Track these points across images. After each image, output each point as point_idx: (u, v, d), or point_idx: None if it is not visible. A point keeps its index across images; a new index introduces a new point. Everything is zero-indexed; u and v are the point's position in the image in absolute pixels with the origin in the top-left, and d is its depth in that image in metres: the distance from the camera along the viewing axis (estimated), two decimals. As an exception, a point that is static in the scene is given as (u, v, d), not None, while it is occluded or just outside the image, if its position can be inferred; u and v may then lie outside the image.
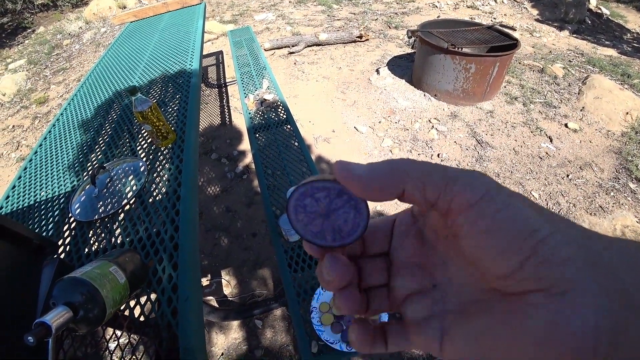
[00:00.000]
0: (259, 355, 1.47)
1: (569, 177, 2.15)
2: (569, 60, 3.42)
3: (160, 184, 1.03)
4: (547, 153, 2.37)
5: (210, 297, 1.68)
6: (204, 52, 3.27)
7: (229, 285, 1.72)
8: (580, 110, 2.71)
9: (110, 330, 0.77)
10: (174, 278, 0.78)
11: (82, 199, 0.98)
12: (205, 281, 1.75)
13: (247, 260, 1.81)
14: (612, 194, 2.03)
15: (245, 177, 2.32)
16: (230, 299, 1.67)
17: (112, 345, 0.75)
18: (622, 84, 2.97)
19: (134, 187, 1.00)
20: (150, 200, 0.99)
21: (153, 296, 0.78)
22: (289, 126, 1.69)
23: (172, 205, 0.97)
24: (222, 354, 1.50)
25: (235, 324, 1.57)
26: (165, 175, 1.06)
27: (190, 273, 0.78)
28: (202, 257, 1.87)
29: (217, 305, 1.65)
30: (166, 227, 0.91)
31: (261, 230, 1.94)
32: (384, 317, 0.90)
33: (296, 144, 1.58)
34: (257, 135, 1.67)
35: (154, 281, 0.80)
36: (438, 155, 2.36)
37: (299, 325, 0.96)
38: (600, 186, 2.09)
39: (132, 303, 0.77)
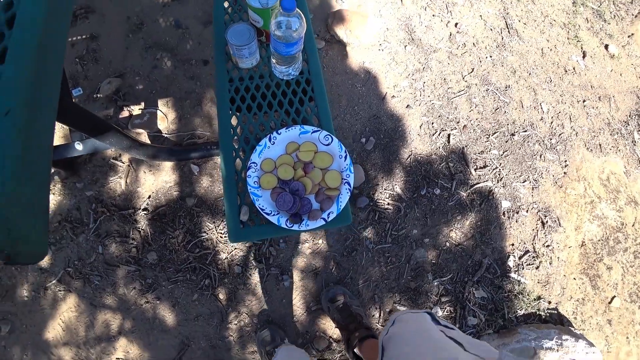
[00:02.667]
0: (190, 204, 1.29)
1: (585, 102, 1.90)
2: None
3: None
4: (574, 68, 2.03)
5: (141, 130, 1.37)
6: None
7: (165, 119, 1.40)
8: (628, 36, 2.28)
9: None
10: None
11: None
12: (136, 109, 1.41)
13: (192, 92, 1.45)
14: (615, 136, 1.87)
15: (207, -12, 1.71)
16: (165, 135, 1.38)
17: None
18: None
19: None
20: None
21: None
22: None
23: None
24: (149, 196, 1.30)
25: (167, 165, 1.33)
26: None
27: (28, 68, 0.42)
28: (136, 79, 1.47)
29: (149, 141, 1.36)
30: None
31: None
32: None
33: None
34: None
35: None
36: (456, 24, 1.87)
37: (229, 183, 0.71)
38: (609, 124, 1.90)
39: None
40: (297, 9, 0.65)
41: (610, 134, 1.87)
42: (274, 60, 0.78)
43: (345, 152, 0.73)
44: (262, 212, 0.68)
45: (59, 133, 1.39)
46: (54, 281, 1.26)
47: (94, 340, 1.23)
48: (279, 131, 0.74)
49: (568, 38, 2.15)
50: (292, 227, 0.68)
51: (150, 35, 1.57)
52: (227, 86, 0.79)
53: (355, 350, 1.02)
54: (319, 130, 0.74)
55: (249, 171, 0.71)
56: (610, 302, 1.43)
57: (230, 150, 0.74)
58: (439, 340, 0.59)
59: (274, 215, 0.68)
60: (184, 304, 1.23)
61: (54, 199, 1.31)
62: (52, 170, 1.33)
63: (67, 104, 0.87)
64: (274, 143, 0.73)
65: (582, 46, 2.15)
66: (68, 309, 1.25)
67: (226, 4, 0.91)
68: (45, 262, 1.27)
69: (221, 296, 1.24)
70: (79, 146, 1.09)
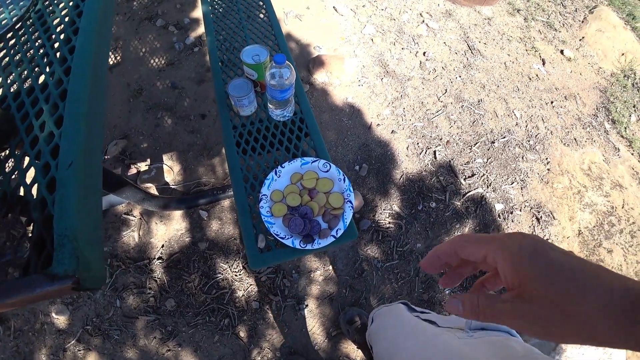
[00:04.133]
0: (203, 248, 1.35)
1: (553, 104, 2.06)
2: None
3: (52, 9, 0.69)
4: (537, 75, 2.23)
5: (150, 185, 1.46)
6: None
7: (171, 172, 1.50)
8: (580, 40, 2.53)
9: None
10: (56, 137, 0.52)
11: None
12: (143, 166, 1.51)
13: (194, 144, 1.56)
14: (587, 129, 2.01)
15: (197, 50, 1.90)
16: (173, 186, 1.47)
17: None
18: (625, 23, 2.74)
19: (11, 12, 0.65)
20: (33, 32, 0.66)
21: (26, 161, 0.54)
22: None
23: (66, 41, 0.65)
24: (163, 245, 1.36)
25: (177, 214, 1.41)
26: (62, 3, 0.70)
27: (81, 130, 0.52)
28: (140, 139, 1.59)
29: (157, 193, 1.45)
30: (53, 69, 0.61)
31: (212, 112, 1.65)
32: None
33: (263, 15, 1.21)
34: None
35: (26, 141, 0.54)
36: (424, 53, 2.07)
37: (244, 215, 0.79)
38: (579, 119, 2.05)
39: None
40: (287, 61, 0.78)
41: (583, 128, 2.01)
42: (270, 106, 0.89)
43: (343, 175, 0.82)
44: (277, 237, 0.75)
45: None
46: (72, 341, 1.27)
47: (119, 399, 1.23)
48: (282, 165, 0.83)
49: (526, 50, 2.36)
50: (305, 247, 0.75)
51: (150, 98, 1.71)
52: (232, 132, 0.90)
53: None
54: (317, 160, 0.84)
55: (260, 203, 0.79)
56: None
57: (241, 187, 0.83)
58: (416, 325, 0.66)
59: (288, 238, 0.75)
60: (206, 346, 1.25)
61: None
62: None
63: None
64: (279, 175, 0.83)
65: (540, 55, 2.35)
66: (89, 369, 1.26)
67: (220, 64, 1.05)
68: (62, 323, 1.29)
69: (242, 334, 1.26)
70: (96, 205, 1.17)
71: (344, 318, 1.24)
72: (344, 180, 0.82)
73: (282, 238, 0.75)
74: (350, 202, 0.80)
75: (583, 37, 2.62)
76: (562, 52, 2.48)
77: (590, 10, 2.78)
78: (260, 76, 0.92)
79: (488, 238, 0.28)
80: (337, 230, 0.76)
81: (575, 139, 1.94)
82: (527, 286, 0.25)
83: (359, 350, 1.23)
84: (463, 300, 0.28)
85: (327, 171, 0.84)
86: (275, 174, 0.82)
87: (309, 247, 0.75)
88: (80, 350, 1.27)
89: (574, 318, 0.22)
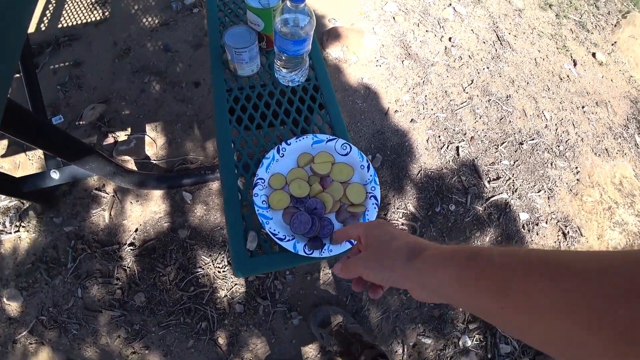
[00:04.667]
0: (183, 237, 1.16)
1: (584, 108, 1.90)
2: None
3: None
4: (568, 76, 2.05)
5: (127, 157, 1.26)
6: None
7: (153, 145, 1.29)
8: (612, 44, 2.36)
9: None
10: None
11: None
12: (122, 135, 1.30)
13: (183, 115, 1.35)
14: (619, 140, 1.86)
15: (197, 12, 1.67)
16: (154, 161, 1.26)
17: None
18: (659, 30, 2.56)
19: None
20: None
21: None
22: None
23: None
24: (137, 229, 1.16)
25: (156, 194, 1.21)
26: None
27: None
28: (122, 104, 1.37)
29: (134, 168, 1.24)
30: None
31: (208, 80, 1.44)
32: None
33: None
34: None
35: None
36: (450, 39, 1.87)
37: (231, 204, 0.59)
38: (610, 129, 1.89)
39: None
40: (306, 3, 0.57)
41: (614, 138, 1.85)
42: (278, 64, 0.69)
43: (368, 161, 0.63)
44: (273, 238, 0.56)
45: (34, 163, 1.26)
46: (24, 332, 1.08)
47: (71, 404, 1.04)
48: (288, 141, 0.63)
49: (557, 48, 2.18)
50: (311, 253, 0.56)
51: (138, 60, 1.49)
52: (225, 95, 0.69)
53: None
54: (334, 139, 0.64)
55: (255, 189, 0.59)
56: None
57: (231, 167, 0.63)
58: None
59: (288, 240, 0.56)
60: (178, 352, 1.06)
61: (28, 237, 1.16)
62: (27, 205, 1.19)
63: (42, 124, 0.76)
64: (283, 155, 0.63)
65: (572, 55, 2.18)
66: (40, 366, 1.07)
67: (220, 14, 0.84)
68: (14, 310, 1.10)
69: (221, 341, 1.07)
70: (55, 174, 0.96)
71: (314, 320, 1.04)
72: (368, 168, 0.62)
73: (281, 239, 0.56)
74: (375, 197, 0.60)
75: (615, 42, 2.47)
76: (594, 55, 2.31)
77: (624, 15, 2.63)
78: (267, 27, 0.71)
79: (359, 224, 0.44)
80: (355, 234, 0.57)
81: (606, 149, 1.77)
82: (368, 245, 0.38)
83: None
84: (339, 263, 0.40)
85: (347, 154, 0.64)
86: (278, 152, 0.62)
87: (316, 254, 0.55)
88: (31, 344, 1.08)
89: (386, 258, 0.35)
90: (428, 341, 1.15)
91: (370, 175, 0.62)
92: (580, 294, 0.20)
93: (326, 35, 1.54)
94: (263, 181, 0.60)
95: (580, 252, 0.22)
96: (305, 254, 0.55)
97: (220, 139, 0.65)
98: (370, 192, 0.61)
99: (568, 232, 1.40)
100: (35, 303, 1.11)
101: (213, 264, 1.14)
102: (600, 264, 0.20)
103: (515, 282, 0.24)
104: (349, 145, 0.64)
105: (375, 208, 0.60)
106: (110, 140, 1.28)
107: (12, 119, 0.65)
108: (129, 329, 1.08)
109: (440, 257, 0.31)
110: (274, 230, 0.57)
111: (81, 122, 1.32)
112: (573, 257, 0.22)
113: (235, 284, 1.13)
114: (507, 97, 1.68)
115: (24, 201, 1.18)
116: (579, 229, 1.42)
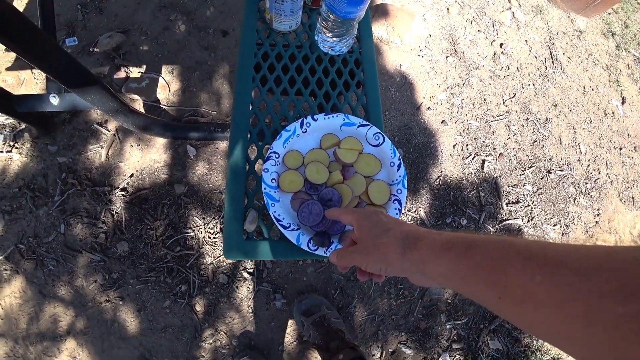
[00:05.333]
0: (179, 192, 1.09)
1: (621, 150, 1.78)
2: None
3: None
4: (613, 112, 1.92)
5: (136, 97, 1.17)
6: None
7: (166, 88, 1.20)
8: None
9: None
10: None
11: None
12: (135, 72, 1.21)
13: (204, 63, 1.26)
14: None
15: (239, -44, 1.53)
16: (164, 106, 1.18)
17: None
18: None
19: None
20: None
21: None
22: None
23: None
24: (132, 175, 1.09)
25: (159, 141, 1.13)
26: None
27: None
28: (142, 39, 1.27)
29: (141, 110, 1.16)
30: None
31: (237, 31, 1.32)
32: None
33: None
34: None
35: None
36: (501, 45, 1.72)
37: (235, 173, 0.51)
38: None
39: None
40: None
41: (644, 188, 1.74)
42: (322, 25, 0.59)
43: (399, 159, 0.54)
44: (277, 223, 0.49)
45: (39, 83, 1.18)
46: (0, 258, 1.04)
47: (36, 337, 1.01)
48: (315, 117, 0.55)
49: (609, 80, 2.03)
50: (315, 250, 0.49)
51: (167, -6, 1.38)
52: (254, 49, 0.60)
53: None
54: (367, 125, 0.56)
55: (267, 163, 0.52)
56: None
57: (244, 130, 0.55)
58: None
59: (292, 230, 0.49)
60: (152, 309, 1.02)
61: (19, 159, 1.09)
62: (22, 126, 1.12)
63: (48, 44, 0.67)
64: (305, 131, 0.54)
65: (622, 91, 2.03)
66: (11, 293, 1.03)
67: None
68: (-6, 233, 1.06)
69: (198, 307, 1.03)
70: (54, 100, 0.89)
71: (299, 307, 1.00)
72: (399, 167, 0.54)
73: (285, 227, 0.48)
74: (400, 202, 0.52)
75: (672, 85, 2.29)
76: (645, 95, 2.15)
77: (688, 58, 2.43)
78: (318, -20, 0.61)
79: (352, 210, 0.42)
80: (369, 239, 0.50)
81: (633, 198, 1.67)
82: (362, 236, 0.38)
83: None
84: (334, 252, 0.41)
85: (378, 146, 0.55)
86: (301, 126, 0.54)
87: (319, 251, 0.48)
88: (6, 270, 1.03)
89: (379, 247, 0.35)
90: (408, 351, 1.10)
91: (399, 176, 0.54)
92: (575, 288, 0.20)
93: (373, 10, 1.42)
94: (277, 156, 0.52)
95: (577, 246, 0.23)
96: (308, 250, 0.48)
97: (239, 96, 0.57)
98: (395, 195, 0.53)
99: (575, 272, 1.32)
100: (16, 230, 1.06)
101: (204, 228, 1.08)
102: (595, 260, 0.21)
103: (513, 275, 0.25)
104: (382, 135, 0.56)
105: (397, 214, 0.52)
106: (122, 74, 1.19)
107: (15, 30, 0.57)
108: (107, 276, 1.03)
109: (437, 248, 0.31)
110: (279, 215, 0.49)
111: (95, 49, 1.23)
112: (569, 251, 0.23)
113: (224, 253, 1.07)
114: (547, 120, 1.57)
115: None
116: (587, 272, 1.35)
